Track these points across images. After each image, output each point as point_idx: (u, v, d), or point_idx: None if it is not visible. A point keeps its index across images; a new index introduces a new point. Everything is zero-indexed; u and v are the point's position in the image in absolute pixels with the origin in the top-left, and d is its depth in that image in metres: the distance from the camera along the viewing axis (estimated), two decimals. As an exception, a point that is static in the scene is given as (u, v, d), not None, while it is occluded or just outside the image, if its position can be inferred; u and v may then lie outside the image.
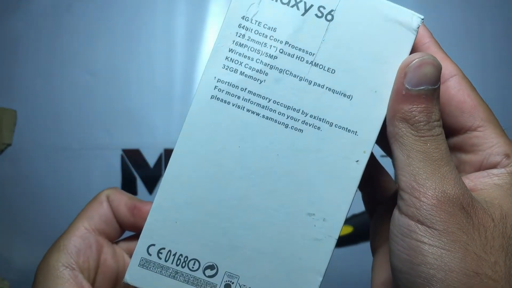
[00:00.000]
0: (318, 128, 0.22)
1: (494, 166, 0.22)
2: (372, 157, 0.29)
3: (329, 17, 0.22)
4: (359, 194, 0.62)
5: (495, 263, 0.19)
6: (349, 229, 0.56)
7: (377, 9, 0.22)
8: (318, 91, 0.22)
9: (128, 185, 0.60)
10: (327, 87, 0.22)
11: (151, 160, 0.60)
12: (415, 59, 0.21)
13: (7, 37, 0.62)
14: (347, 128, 0.22)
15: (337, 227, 0.22)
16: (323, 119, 0.22)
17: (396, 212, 0.21)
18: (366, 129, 0.22)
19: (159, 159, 0.60)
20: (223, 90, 0.22)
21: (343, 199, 0.22)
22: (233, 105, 0.22)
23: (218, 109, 0.22)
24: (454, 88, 0.22)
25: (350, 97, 0.22)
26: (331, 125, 0.22)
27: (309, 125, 0.22)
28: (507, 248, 0.19)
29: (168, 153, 0.60)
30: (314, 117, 0.22)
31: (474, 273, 0.19)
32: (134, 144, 0.60)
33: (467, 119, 0.22)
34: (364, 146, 0.22)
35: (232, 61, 0.22)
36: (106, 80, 0.61)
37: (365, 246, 0.57)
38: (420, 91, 0.20)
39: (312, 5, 0.22)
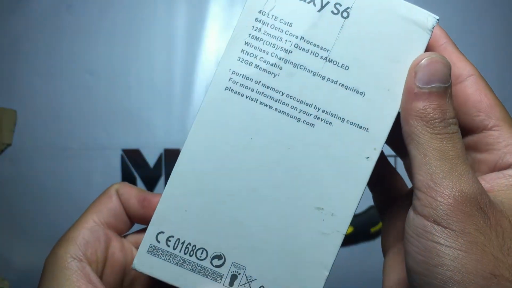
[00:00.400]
0: (330, 123, 0.22)
1: (509, 165, 0.21)
2: (383, 157, 0.29)
3: (344, 14, 0.22)
4: (366, 194, 0.62)
5: None
6: (349, 229, 0.56)
7: (392, 8, 0.22)
8: (331, 87, 0.22)
9: (128, 185, 0.60)
10: (340, 83, 0.22)
11: (151, 160, 0.60)
12: (424, 58, 0.21)
13: (7, 37, 0.62)
14: (358, 125, 0.22)
15: (345, 222, 0.22)
16: (335, 115, 0.22)
17: (411, 212, 0.21)
18: (378, 127, 0.22)
19: (159, 159, 0.60)
20: (237, 82, 0.22)
21: (352, 195, 0.22)
22: (246, 97, 0.22)
23: (231, 100, 0.22)
24: (471, 87, 0.22)
25: (363, 94, 0.22)
26: (342, 121, 0.22)
27: (321, 120, 0.22)
28: None
29: (168, 153, 0.60)
30: (326, 112, 0.22)
31: (491, 275, 0.18)
32: (134, 144, 0.60)
33: (484, 118, 0.22)
34: (375, 143, 0.22)
35: (248, 54, 0.22)
36: (106, 80, 0.61)
37: (365, 246, 0.57)
38: (431, 88, 0.20)
39: (328, 2, 0.22)
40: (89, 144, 0.60)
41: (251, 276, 0.22)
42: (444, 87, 0.20)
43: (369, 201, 0.60)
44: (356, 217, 0.58)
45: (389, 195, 0.28)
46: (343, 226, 0.22)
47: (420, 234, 0.20)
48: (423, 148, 0.20)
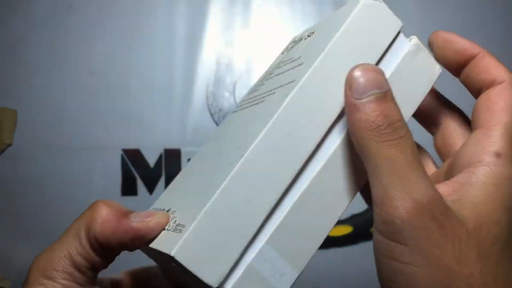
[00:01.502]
0: (273, 93, 0.23)
1: (479, 160, 0.21)
2: None
3: (309, 35, 0.25)
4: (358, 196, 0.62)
5: (469, 275, 0.18)
6: (348, 229, 0.56)
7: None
8: (284, 72, 0.24)
9: (128, 185, 0.60)
10: (291, 67, 0.24)
11: (151, 160, 0.60)
12: (355, 69, 0.20)
13: (7, 37, 0.62)
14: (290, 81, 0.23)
15: (246, 150, 0.21)
16: (279, 86, 0.23)
17: (373, 229, 0.20)
18: None
19: (159, 159, 0.60)
20: (238, 104, 0.28)
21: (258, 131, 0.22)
22: (237, 108, 0.28)
23: (228, 116, 0.28)
24: (497, 89, 0.22)
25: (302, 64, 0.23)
26: (282, 87, 0.23)
27: (268, 95, 0.24)
28: (484, 258, 0.19)
29: (168, 153, 0.61)
30: (274, 89, 0.23)
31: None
32: (134, 144, 0.60)
33: (488, 117, 0.22)
34: None
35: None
36: (106, 80, 0.61)
37: (365, 246, 0.57)
38: (369, 97, 0.20)
39: (301, 38, 0.26)
40: (89, 144, 0.60)
41: (179, 223, 0.22)
42: (382, 92, 0.20)
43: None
44: (355, 217, 0.58)
45: None
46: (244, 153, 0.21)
47: (378, 251, 0.19)
48: (373, 159, 0.19)
